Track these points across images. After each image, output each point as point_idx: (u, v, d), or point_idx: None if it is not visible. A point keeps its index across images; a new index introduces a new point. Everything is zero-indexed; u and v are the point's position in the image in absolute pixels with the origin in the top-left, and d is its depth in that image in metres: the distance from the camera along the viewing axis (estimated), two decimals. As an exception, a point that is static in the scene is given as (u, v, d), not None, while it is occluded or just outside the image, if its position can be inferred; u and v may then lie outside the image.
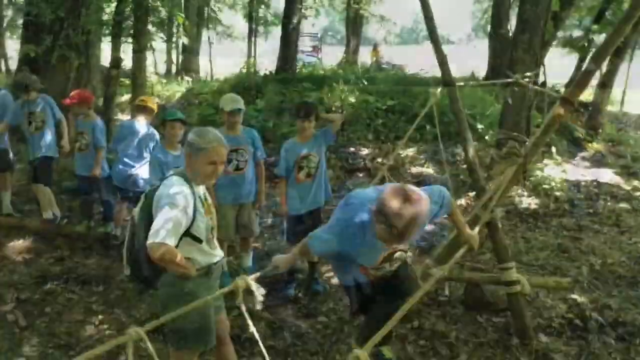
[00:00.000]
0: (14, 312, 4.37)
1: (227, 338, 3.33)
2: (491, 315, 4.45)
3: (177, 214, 2.71)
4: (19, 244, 5.62)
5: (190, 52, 19.43)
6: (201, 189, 3.04)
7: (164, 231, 2.62)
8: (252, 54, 19.55)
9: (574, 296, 4.75)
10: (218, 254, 3.09)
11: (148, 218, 2.80)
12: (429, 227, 4.95)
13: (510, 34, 10.31)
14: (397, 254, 3.05)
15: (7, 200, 6.28)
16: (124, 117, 10.70)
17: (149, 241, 2.62)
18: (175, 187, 2.82)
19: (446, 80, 4.31)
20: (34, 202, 6.55)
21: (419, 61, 18.30)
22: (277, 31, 19.61)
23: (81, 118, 5.76)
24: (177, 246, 2.72)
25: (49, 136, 6.03)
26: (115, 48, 7.29)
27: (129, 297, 4.70)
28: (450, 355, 3.94)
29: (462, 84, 5.13)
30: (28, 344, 3.98)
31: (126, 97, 11.25)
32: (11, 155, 6.32)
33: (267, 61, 17.90)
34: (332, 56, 24.02)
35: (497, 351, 3.99)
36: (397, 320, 2.10)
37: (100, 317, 4.36)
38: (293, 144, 4.90)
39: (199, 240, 2.89)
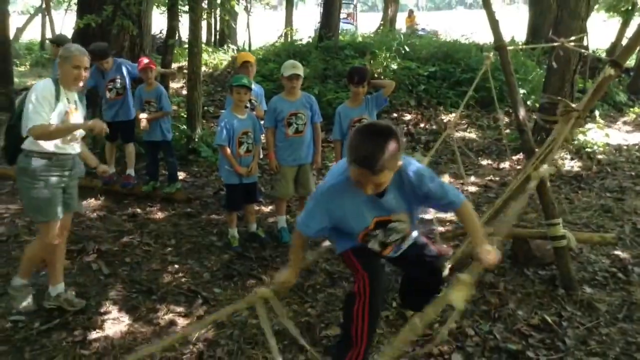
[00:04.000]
0: (97, 262, 4.81)
1: (61, 237, 4.12)
2: (538, 268, 4.70)
3: (39, 95, 3.58)
4: (92, 202, 6.08)
5: (228, 22, 19.62)
6: (71, 95, 3.83)
7: (34, 115, 3.52)
8: (290, 23, 19.67)
9: (617, 252, 4.98)
10: (66, 149, 3.81)
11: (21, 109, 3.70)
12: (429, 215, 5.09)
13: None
14: (394, 224, 2.79)
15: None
16: (174, 85, 11.10)
17: (28, 127, 3.52)
18: (42, 82, 3.74)
19: (498, 44, 4.50)
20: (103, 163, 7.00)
21: (452, 27, 18.25)
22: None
23: (143, 87, 6.12)
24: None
25: (130, 100, 6.38)
26: (172, 17, 7.59)
27: (199, 250, 5.11)
28: (500, 303, 4.22)
29: (511, 47, 5.29)
30: (113, 289, 4.41)
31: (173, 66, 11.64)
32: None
33: (301, 29, 18.09)
34: (365, 23, 24.02)
35: (543, 300, 4.25)
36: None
37: (175, 266, 4.78)
38: (346, 108, 5.16)
39: None
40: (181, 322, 4.00)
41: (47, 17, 20.35)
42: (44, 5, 20.07)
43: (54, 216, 3.83)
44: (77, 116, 3.88)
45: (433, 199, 2.70)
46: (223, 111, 5.63)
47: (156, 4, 8.82)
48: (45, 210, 3.79)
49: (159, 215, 5.86)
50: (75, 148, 3.92)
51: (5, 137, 3.87)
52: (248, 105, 5.37)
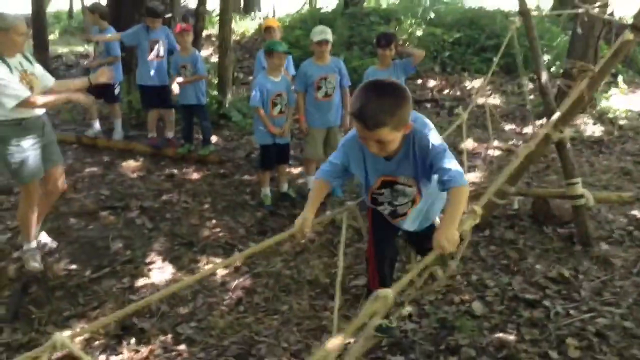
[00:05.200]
0: (140, 217, 5.15)
1: (56, 191, 4.48)
2: (556, 227, 4.90)
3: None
4: (131, 163, 6.42)
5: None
6: (16, 61, 3.97)
7: (12, 90, 3.77)
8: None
9: (634, 212, 5.16)
10: (36, 112, 4.06)
11: None
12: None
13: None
14: (401, 187, 2.70)
15: (118, 127, 7.08)
16: (203, 53, 11.33)
17: (17, 102, 3.78)
18: None
19: (522, 9, 4.65)
20: (137, 128, 7.35)
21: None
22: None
23: (178, 52, 6.38)
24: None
25: (166, 66, 6.64)
26: (203, -14, 7.81)
27: (234, 207, 5.42)
28: (519, 258, 4.46)
29: (536, 13, 5.41)
30: (157, 242, 4.75)
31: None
32: (117, 89, 7.04)
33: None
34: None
35: (561, 256, 4.48)
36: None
37: (212, 222, 5.11)
38: (374, 70, 5.40)
39: None
40: (220, 271, 4.31)
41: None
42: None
43: (31, 177, 4.12)
44: (33, 76, 4.09)
45: (434, 167, 2.48)
46: (250, 78, 5.88)
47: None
48: (23, 173, 4.07)
49: (195, 175, 6.17)
50: (43, 109, 4.19)
51: None
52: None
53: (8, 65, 3.88)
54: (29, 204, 4.22)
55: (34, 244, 4.33)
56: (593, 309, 3.77)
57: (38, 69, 4.22)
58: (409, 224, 2.95)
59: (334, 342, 1.92)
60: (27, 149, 4.02)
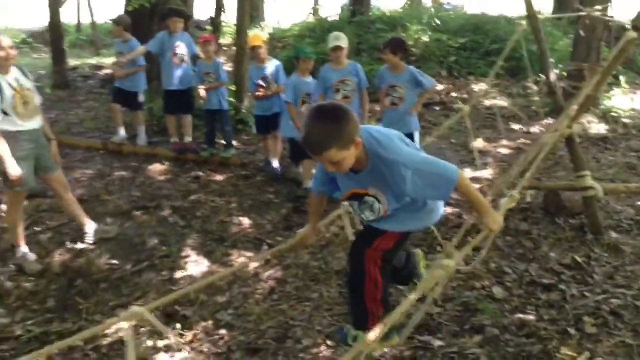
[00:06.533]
0: (172, 216, 5.42)
1: (65, 193, 4.76)
2: (568, 218, 5.16)
3: None
4: (158, 167, 6.69)
5: (258, 1, 20.09)
6: (10, 77, 4.26)
7: None
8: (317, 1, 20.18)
9: (641, 202, 5.44)
10: (28, 125, 4.35)
11: None
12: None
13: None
14: (370, 199, 2.60)
15: (142, 133, 7.37)
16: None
17: None
18: None
19: (530, 12, 4.93)
20: (159, 134, 7.65)
21: (476, 1, 18.42)
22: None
23: (202, 60, 6.67)
24: None
25: (190, 70, 6.90)
26: (219, -1, 8.13)
27: (259, 205, 5.70)
28: (534, 247, 4.72)
29: (542, 16, 5.69)
30: (190, 238, 5.02)
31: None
32: (141, 97, 7.33)
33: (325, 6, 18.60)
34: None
35: (574, 244, 4.73)
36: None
37: (240, 219, 5.38)
38: (386, 71, 5.53)
39: (5, 113, 4.20)
40: (252, 263, 4.57)
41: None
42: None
43: (19, 186, 4.37)
44: (28, 92, 4.38)
45: (422, 192, 2.44)
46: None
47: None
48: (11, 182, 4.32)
49: (219, 177, 6.44)
50: (37, 121, 4.47)
51: None
52: (263, 84, 6.20)
53: None
54: (15, 209, 4.55)
55: (24, 248, 4.62)
56: (606, 290, 4.03)
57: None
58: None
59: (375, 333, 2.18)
60: (19, 158, 4.29)
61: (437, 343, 3.53)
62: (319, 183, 2.88)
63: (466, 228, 3.00)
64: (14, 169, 4.20)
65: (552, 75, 4.97)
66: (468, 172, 6.12)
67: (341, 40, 5.57)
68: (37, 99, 4.46)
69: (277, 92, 6.24)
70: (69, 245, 4.86)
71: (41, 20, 19.60)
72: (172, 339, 3.68)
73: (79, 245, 4.82)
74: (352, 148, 2.29)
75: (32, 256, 4.60)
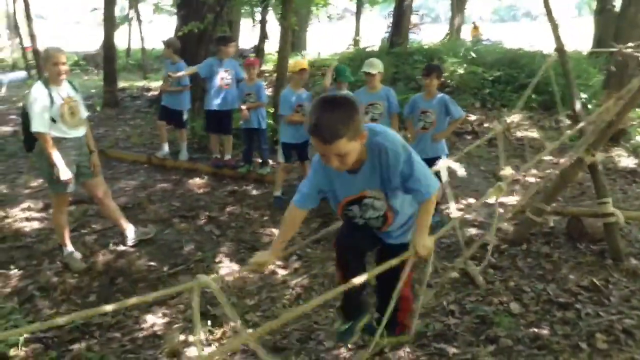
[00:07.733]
0: (208, 225, 5.76)
1: (105, 199, 5.11)
2: (589, 243, 5.27)
3: (36, 106, 4.44)
4: (197, 181, 7.08)
5: (300, 31, 20.73)
6: (62, 90, 4.61)
7: (36, 122, 4.43)
8: (358, 32, 20.65)
9: (663, 232, 5.52)
10: (73, 133, 4.70)
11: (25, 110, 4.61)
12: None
13: (616, 10, 10.73)
14: (369, 200, 2.70)
15: (184, 149, 7.80)
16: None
17: (33, 130, 4.46)
18: (33, 88, 4.54)
19: (558, 47, 5.16)
20: (200, 151, 8.05)
21: (516, 38, 18.64)
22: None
23: (244, 82, 7.08)
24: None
25: (235, 92, 7.29)
26: (262, 26, 8.59)
27: (291, 220, 5.97)
28: (554, 269, 4.85)
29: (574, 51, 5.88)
30: (224, 245, 5.34)
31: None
32: (185, 116, 7.78)
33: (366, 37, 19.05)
34: (428, 34, 24.70)
35: (593, 268, 4.84)
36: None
37: (272, 230, 5.67)
38: (419, 97, 5.82)
39: (54, 120, 4.53)
40: (281, 272, 4.85)
41: (132, 26, 21.91)
42: (130, 16, 21.69)
43: (63, 190, 4.72)
44: (76, 103, 4.72)
45: (404, 182, 2.57)
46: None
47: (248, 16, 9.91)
48: (56, 185, 4.68)
49: (254, 192, 6.78)
50: (81, 131, 4.82)
51: (22, 131, 4.78)
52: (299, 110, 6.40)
53: (50, 94, 4.53)
54: (60, 211, 4.90)
55: (70, 248, 4.98)
56: (621, 312, 4.14)
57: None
58: (389, 236, 2.94)
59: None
60: (70, 165, 4.65)
61: (452, 350, 3.71)
62: (307, 198, 2.75)
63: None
64: (65, 173, 4.58)
65: (578, 105, 5.16)
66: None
67: (373, 67, 5.82)
68: (83, 112, 4.84)
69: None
70: (112, 247, 5.23)
71: (92, 47, 20.59)
72: (202, 336, 3.94)
73: (121, 248, 5.18)
74: (358, 140, 2.35)
75: (78, 255, 4.96)
